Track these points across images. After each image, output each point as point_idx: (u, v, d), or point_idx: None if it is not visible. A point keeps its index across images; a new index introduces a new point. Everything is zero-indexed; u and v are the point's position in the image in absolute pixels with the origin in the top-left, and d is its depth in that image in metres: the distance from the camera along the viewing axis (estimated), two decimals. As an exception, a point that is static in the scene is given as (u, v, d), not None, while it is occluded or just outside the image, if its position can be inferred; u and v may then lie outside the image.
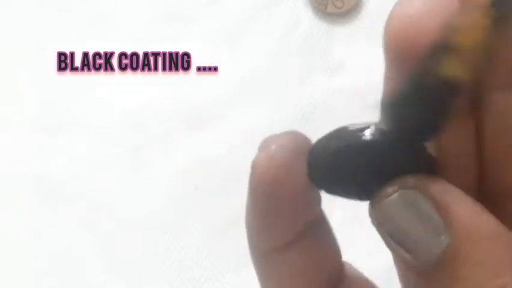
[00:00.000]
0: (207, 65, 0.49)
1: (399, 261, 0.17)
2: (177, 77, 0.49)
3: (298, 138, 0.19)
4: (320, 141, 0.19)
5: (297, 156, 0.18)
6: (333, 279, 0.20)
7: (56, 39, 0.50)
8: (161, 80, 0.49)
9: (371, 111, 0.47)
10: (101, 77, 0.49)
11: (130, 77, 0.49)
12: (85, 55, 0.50)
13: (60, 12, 0.51)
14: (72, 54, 0.50)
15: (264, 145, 0.19)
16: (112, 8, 0.51)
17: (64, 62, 0.50)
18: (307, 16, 0.48)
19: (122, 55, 0.50)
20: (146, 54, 0.50)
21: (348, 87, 0.46)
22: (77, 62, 0.50)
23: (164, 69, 0.49)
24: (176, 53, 0.50)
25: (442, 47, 0.16)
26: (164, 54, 0.50)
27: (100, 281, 0.45)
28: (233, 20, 0.49)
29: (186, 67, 0.49)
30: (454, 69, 0.16)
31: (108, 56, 0.50)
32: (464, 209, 0.16)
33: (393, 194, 0.16)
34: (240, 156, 0.47)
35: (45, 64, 0.49)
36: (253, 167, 0.19)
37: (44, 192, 0.46)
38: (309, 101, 0.47)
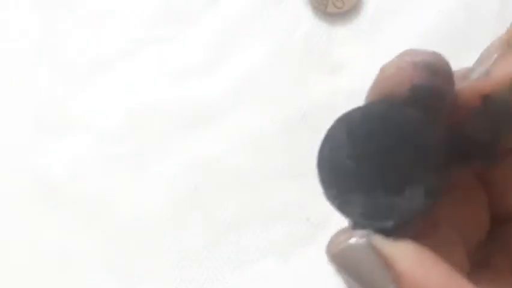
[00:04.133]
0: (207, 64, 0.49)
1: None
2: (177, 77, 0.49)
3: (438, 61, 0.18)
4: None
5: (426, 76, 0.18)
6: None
7: (56, 39, 0.50)
8: (161, 80, 0.49)
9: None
10: (101, 77, 0.49)
11: (130, 77, 0.49)
12: (85, 55, 0.50)
13: (60, 12, 0.51)
14: (72, 54, 0.50)
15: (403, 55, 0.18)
16: (112, 8, 0.51)
17: (64, 61, 0.50)
18: (307, 16, 0.48)
19: (122, 55, 0.50)
20: (146, 54, 0.50)
21: (348, 87, 0.46)
22: (77, 62, 0.50)
23: (164, 69, 0.49)
24: (176, 53, 0.50)
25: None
26: (164, 54, 0.50)
27: (100, 281, 0.45)
28: (233, 20, 0.49)
29: (186, 67, 0.49)
30: None
31: (108, 56, 0.50)
32: (410, 261, 0.16)
33: (344, 243, 0.17)
34: (240, 156, 0.47)
35: (45, 64, 0.49)
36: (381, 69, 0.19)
37: (44, 192, 0.46)
38: (309, 101, 0.47)
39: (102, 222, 0.46)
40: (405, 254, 0.16)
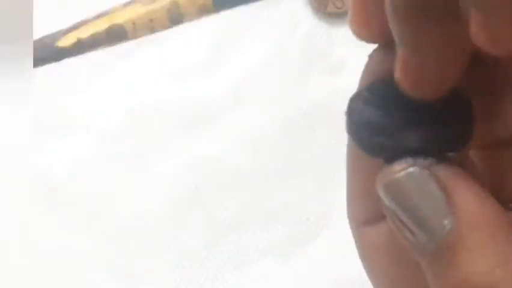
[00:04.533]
0: (207, 64, 0.49)
1: (401, 241, 0.17)
2: (177, 77, 0.49)
3: None
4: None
5: None
6: None
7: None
8: (161, 80, 0.49)
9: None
10: (101, 77, 0.49)
11: (130, 77, 0.49)
12: (85, 55, 0.50)
13: (60, 12, 0.51)
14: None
15: None
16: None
17: (64, 61, 0.50)
18: (307, 16, 0.48)
19: (122, 55, 0.50)
20: (146, 54, 0.50)
21: (348, 87, 0.46)
22: (77, 62, 0.50)
23: (164, 69, 0.49)
24: (176, 53, 0.50)
25: None
26: (164, 54, 0.50)
27: (99, 280, 0.45)
28: (233, 20, 0.49)
29: (186, 67, 0.49)
30: None
31: (108, 56, 0.50)
32: (470, 196, 0.16)
33: (402, 172, 0.16)
34: (240, 156, 0.47)
35: (44, 64, 0.49)
36: None
37: (44, 192, 0.46)
38: (309, 101, 0.47)
39: (102, 222, 0.46)
40: (466, 187, 0.16)
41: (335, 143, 0.45)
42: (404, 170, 0.16)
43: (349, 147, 0.20)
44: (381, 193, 0.17)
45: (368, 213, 0.20)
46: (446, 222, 0.16)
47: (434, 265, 0.16)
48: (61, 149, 0.47)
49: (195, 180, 0.46)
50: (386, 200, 0.17)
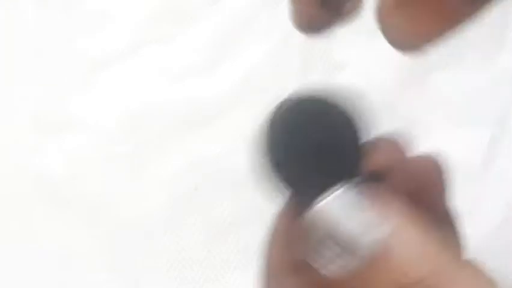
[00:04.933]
0: (207, 64, 0.49)
1: (328, 271, 0.18)
2: (177, 77, 0.49)
3: None
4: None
5: None
6: None
7: (56, 39, 0.50)
8: (161, 80, 0.49)
9: (371, 111, 0.47)
10: (101, 77, 0.49)
11: (130, 77, 0.49)
12: (85, 55, 0.50)
13: (60, 12, 0.51)
14: (72, 54, 0.50)
15: None
16: (111, 8, 0.51)
17: (64, 61, 0.50)
18: (307, 16, 0.48)
19: (122, 55, 0.50)
20: (146, 54, 0.50)
21: (348, 87, 0.46)
22: (77, 62, 0.50)
23: (164, 69, 0.49)
24: (176, 53, 0.50)
25: None
26: (164, 54, 0.50)
27: (100, 280, 0.45)
28: (233, 20, 0.49)
29: (186, 67, 0.49)
30: None
31: (108, 56, 0.50)
32: (395, 203, 0.18)
33: (330, 197, 0.18)
34: (239, 156, 0.47)
35: (44, 64, 0.49)
36: None
37: (44, 192, 0.46)
38: (309, 101, 0.47)
39: (102, 222, 0.46)
40: (391, 197, 0.18)
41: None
42: (332, 194, 0.18)
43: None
44: (310, 225, 0.18)
45: (288, 264, 0.21)
46: (382, 227, 0.17)
47: (372, 271, 0.17)
48: (61, 149, 0.47)
49: (195, 180, 0.46)
50: (315, 231, 0.18)
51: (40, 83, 0.49)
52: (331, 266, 0.18)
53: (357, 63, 0.47)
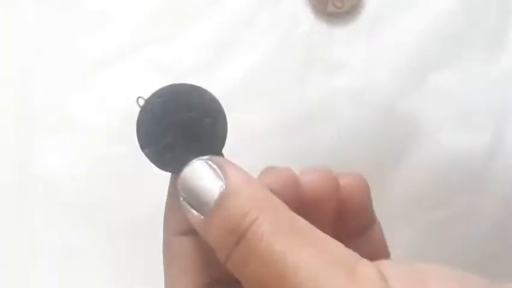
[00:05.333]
0: (207, 64, 0.49)
1: (191, 221, 0.24)
2: (177, 77, 0.49)
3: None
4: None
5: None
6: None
7: (56, 39, 0.50)
8: (161, 80, 0.49)
9: (371, 111, 0.47)
10: (101, 76, 0.49)
11: (130, 77, 0.49)
12: (85, 55, 0.50)
13: (60, 12, 0.51)
14: (72, 54, 0.50)
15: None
16: (111, 8, 0.51)
17: (64, 61, 0.50)
18: (307, 16, 0.48)
19: (122, 55, 0.50)
20: (146, 54, 0.50)
21: (348, 87, 0.46)
22: (77, 62, 0.50)
23: (164, 69, 0.49)
24: (176, 53, 0.50)
25: None
26: (164, 54, 0.50)
27: (99, 280, 0.45)
28: (233, 20, 0.49)
29: (186, 67, 0.49)
30: None
31: (108, 56, 0.50)
32: (234, 169, 0.25)
33: (189, 167, 0.25)
34: (239, 156, 0.47)
35: (44, 64, 0.49)
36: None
37: (44, 192, 0.46)
38: (309, 101, 0.47)
39: (101, 222, 0.46)
40: (233, 165, 0.25)
41: (334, 142, 0.45)
42: (191, 165, 0.25)
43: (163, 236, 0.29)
44: (180, 191, 0.25)
45: (178, 226, 0.27)
46: (220, 185, 0.24)
47: (210, 222, 0.23)
48: (61, 149, 0.47)
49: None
50: (183, 193, 0.25)
51: (40, 82, 0.49)
52: (193, 217, 0.24)
53: (357, 63, 0.47)
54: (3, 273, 0.45)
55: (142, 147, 0.29)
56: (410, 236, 0.45)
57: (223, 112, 0.29)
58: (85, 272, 0.45)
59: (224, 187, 0.23)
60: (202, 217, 0.23)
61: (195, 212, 0.24)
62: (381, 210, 0.31)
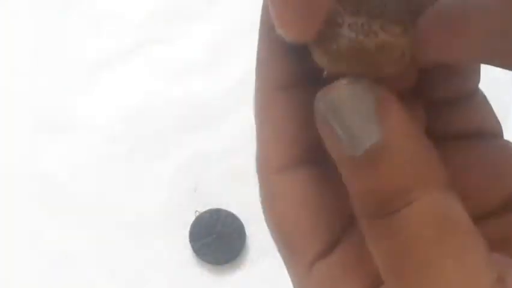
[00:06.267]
0: (207, 64, 0.49)
1: (333, 152, 0.18)
2: (177, 77, 0.49)
3: None
4: None
5: None
6: None
7: (56, 39, 0.50)
8: (161, 80, 0.49)
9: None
10: (101, 77, 0.49)
11: (130, 76, 0.49)
12: (85, 55, 0.50)
13: (60, 11, 0.51)
14: (72, 54, 0.50)
15: None
16: (111, 9, 0.51)
17: (64, 62, 0.50)
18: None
19: (122, 55, 0.50)
20: (146, 54, 0.50)
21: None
22: (77, 62, 0.50)
23: (164, 69, 0.49)
24: (176, 53, 0.50)
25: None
26: (164, 54, 0.50)
27: (99, 280, 0.45)
28: (233, 20, 0.49)
29: (186, 67, 0.49)
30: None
31: (108, 56, 0.50)
32: (399, 117, 0.18)
33: (344, 86, 0.18)
34: (240, 156, 0.47)
35: (45, 64, 0.49)
36: None
37: (44, 192, 0.46)
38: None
39: (102, 221, 0.46)
40: (399, 107, 0.17)
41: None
42: (346, 85, 0.18)
43: (259, 99, 0.20)
44: (320, 104, 0.18)
45: (282, 159, 0.20)
46: (373, 134, 0.17)
47: (357, 174, 0.17)
48: (61, 149, 0.47)
49: (195, 180, 0.46)
50: (324, 111, 0.18)
51: (40, 83, 0.49)
52: (332, 145, 0.18)
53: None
54: (3, 273, 0.45)
55: None
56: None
57: None
58: (85, 271, 0.45)
59: (378, 139, 0.17)
60: (346, 150, 0.17)
61: (337, 141, 0.18)
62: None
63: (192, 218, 0.46)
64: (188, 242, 0.45)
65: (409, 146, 0.17)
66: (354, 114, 0.17)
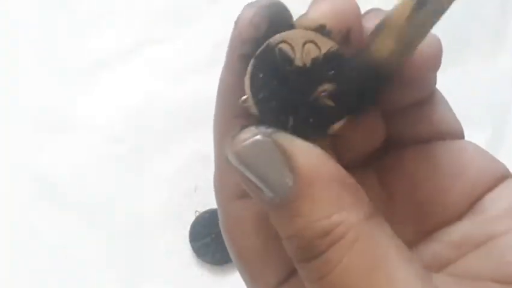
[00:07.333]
0: (207, 64, 0.49)
1: (256, 200, 0.19)
2: (177, 77, 0.49)
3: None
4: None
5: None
6: None
7: (56, 39, 0.50)
8: (161, 80, 0.49)
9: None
10: (101, 77, 0.49)
11: (131, 76, 0.49)
12: (85, 55, 0.50)
13: (60, 11, 0.51)
14: (72, 54, 0.50)
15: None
16: (112, 8, 0.51)
17: (64, 62, 0.50)
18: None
19: (122, 55, 0.50)
20: (146, 54, 0.50)
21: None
22: (77, 62, 0.50)
23: (164, 69, 0.49)
24: (176, 53, 0.50)
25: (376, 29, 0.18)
26: (164, 54, 0.50)
27: (99, 280, 0.45)
28: (233, 20, 0.49)
29: (186, 67, 0.49)
30: (384, 47, 0.18)
31: (108, 56, 0.50)
32: (307, 157, 0.18)
33: (248, 140, 0.18)
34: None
35: (45, 64, 0.49)
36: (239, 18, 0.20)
37: (44, 192, 0.46)
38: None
39: (102, 221, 0.46)
40: (302, 150, 0.18)
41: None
42: (250, 138, 0.18)
43: (218, 124, 0.22)
44: (232, 160, 0.18)
45: (239, 187, 0.20)
46: (287, 180, 0.18)
47: (281, 218, 0.18)
48: (62, 149, 0.47)
49: (195, 180, 0.46)
50: (237, 166, 0.18)
51: (40, 83, 0.49)
52: (256, 197, 0.19)
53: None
54: (3, 273, 0.45)
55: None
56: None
57: None
58: (85, 271, 0.45)
59: (292, 184, 0.17)
60: (268, 200, 0.18)
61: (259, 192, 0.18)
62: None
63: (192, 218, 0.46)
64: (189, 242, 0.45)
65: (322, 188, 0.18)
66: (263, 166, 0.18)
